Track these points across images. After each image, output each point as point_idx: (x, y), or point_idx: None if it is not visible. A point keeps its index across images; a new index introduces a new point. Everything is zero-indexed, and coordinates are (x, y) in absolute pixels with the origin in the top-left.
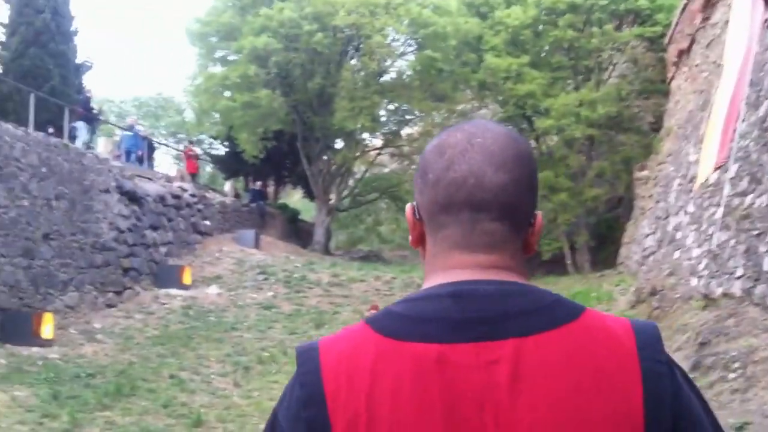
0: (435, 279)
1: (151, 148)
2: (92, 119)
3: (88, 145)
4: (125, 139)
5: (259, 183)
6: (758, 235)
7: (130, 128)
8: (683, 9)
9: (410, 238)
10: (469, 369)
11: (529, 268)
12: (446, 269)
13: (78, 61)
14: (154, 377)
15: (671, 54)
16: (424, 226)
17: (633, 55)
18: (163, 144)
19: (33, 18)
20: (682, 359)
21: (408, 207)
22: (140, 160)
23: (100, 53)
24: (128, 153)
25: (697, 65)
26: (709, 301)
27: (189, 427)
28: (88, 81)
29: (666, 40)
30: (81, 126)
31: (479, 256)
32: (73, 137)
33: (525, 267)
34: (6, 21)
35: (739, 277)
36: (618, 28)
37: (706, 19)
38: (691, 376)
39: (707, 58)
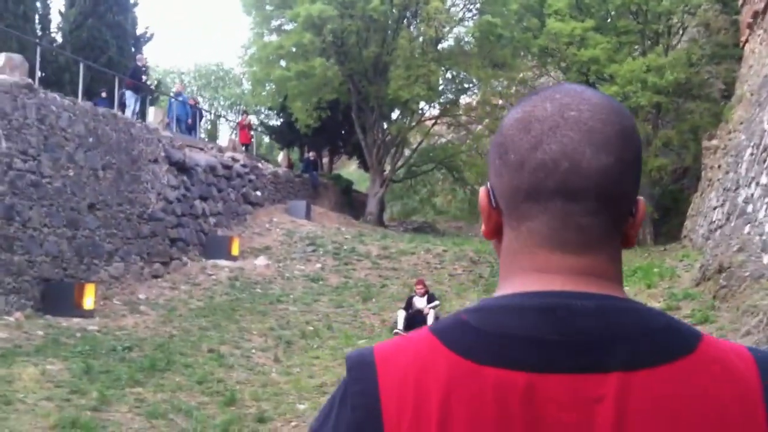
0: (516, 283)
1: (200, 116)
2: (140, 88)
3: (138, 115)
4: (174, 107)
5: (312, 153)
6: None
7: (178, 95)
8: None
9: (483, 227)
10: (564, 407)
11: None
12: (530, 272)
13: (138, 32)
14: (192, 351)
15: (745, 16)
16: (501, 215)
17: (705, 18)
18: (222, 116)
19: None
20: (752, 345)
21: (482, 191)
22: (189, 129)
23: (161, 24)
24: (177, 121)
25: None
26: None
27: (222, 406)
28: (147, 52)
29: (740, 1)
30: (129, 95)
31: (571, 258)
32: (123, 105)
33: (622, 271)
34: None
35: None
36: None
37: None
38: None
39: None
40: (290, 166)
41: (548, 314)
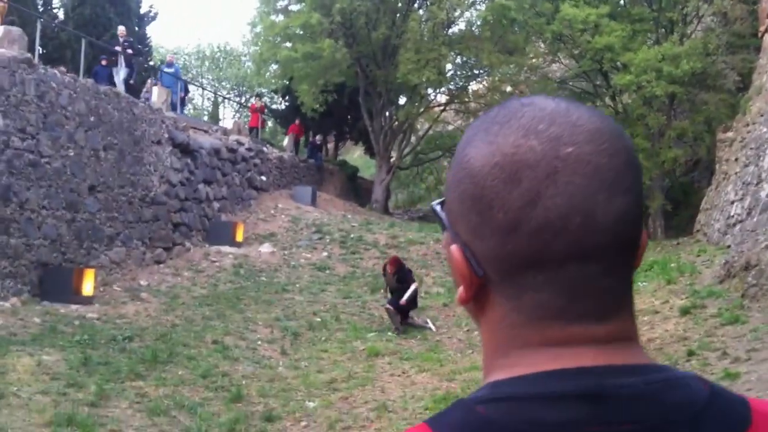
0: (527, 360)
1: (185, 91)
2: (128, 60)
3: (128, 85)
4: (163, 78)
5: (319, 137)
6: None
7: (170, 65)
8: None
9: (459, 292)
10: None
11: None
12: (542, 347)
13: (142, 10)
14: (195, 342)
15: (765, 5)
16: (488, 282)
17: (722, 6)
18: (225, 97)
19: None
20: None
21: (456, 251)
22: (179, 103)
23: (166, 3)
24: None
25: None
26: None
27: (227, 402)
28: (151, 31)
29: None
30: (115, 70)
31: (594, 328)
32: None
33: None
34: None
35: None
36: None
37: None
38: None
39: None
40: (297, 140)
41: (594, 402)
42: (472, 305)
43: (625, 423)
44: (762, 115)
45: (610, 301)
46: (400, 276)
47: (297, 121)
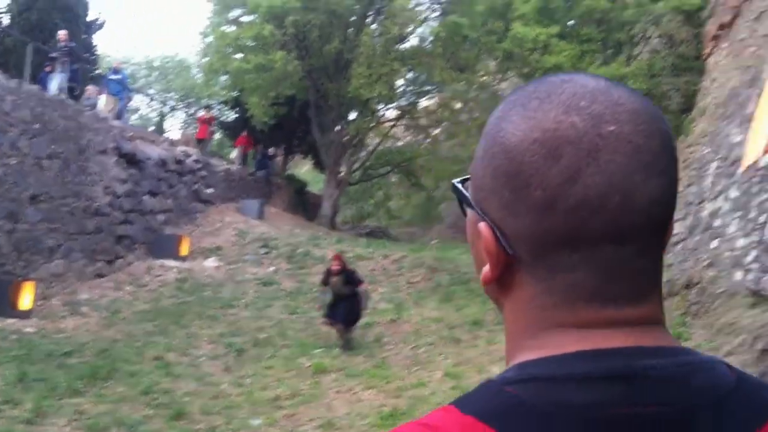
0: (555, 341)
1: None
2: (70, 63)
3: (69, 91)
4: (109, 85)
5: (272, 149)
6: None
7: (116, 72)
8: None
9: (484, 271)
10: None
11: None
12: (573, 328)
13: (89, 18)
14: (137, 358)
15: (710, 28)
16: (517, 261)
17: (668, 29)
18: (176, 108)
19: None
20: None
21: (485, 229)
22: (119, 114)
23: (115, 12)
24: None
25: (741, 40)
26: (760, 298)
27: (168, 420)
28: (98, 40)
29: (705, 13)
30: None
31: (627, 310)
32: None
33: None
34: None
35: None
36: (652, 0)
37: None
38: None
39: (755, 32)
40: (246, 152)
41: (623, 383)
42: (495, 286)
43: (654, 404)
44: (705, 136)
45: (643, 282)
46: (347, 276)
47: (245, 133)
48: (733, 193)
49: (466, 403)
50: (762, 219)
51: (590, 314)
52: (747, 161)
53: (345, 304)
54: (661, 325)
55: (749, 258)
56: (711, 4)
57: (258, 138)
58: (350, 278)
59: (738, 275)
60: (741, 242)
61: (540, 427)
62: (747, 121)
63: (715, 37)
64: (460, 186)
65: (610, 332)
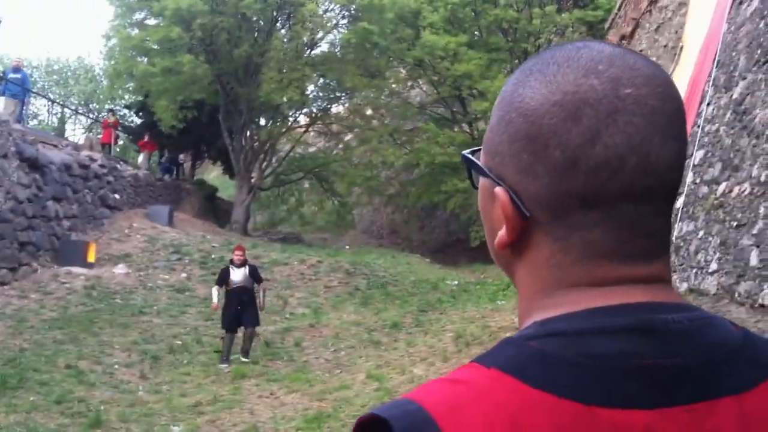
0: (572, 299)
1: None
2: None
3: None
4: (8, 87)
5: (182, 156)
6: (738, 226)
7: (16, 71)
8: None
9: (500, 235)
10: None
11: (453, 255)
12: (589, 287)
13: None
14: (47, 367)
15: (611, 39)
16: (533, 223)
17: (572, 39)
18: (78, 112)
19: None
20: None
21: (502, 193)
22: (19, 117)
23: (12, 12)
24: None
25: (642, 50)
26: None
27: (85, 428)
28: None
29: (607, 24)
30: None
31: (642, 268)
32: None
33: None
34: None
35: (713, 272)
36: (558, 11)
37: (653, 2)
38: None
39: (655, 42)
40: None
41: (646, 335)
42: (509, 250)
43: (675, 356)
44: None
45: (656, 242)
46: (251, 270)
47: (146, 137)
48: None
49: (488, 359)
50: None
51: (607, 271)
52: None
53: (246, 305)
54: (671, 283)
55: None
56: (612, 16)
57: (162, 142)
58: (254, 273)
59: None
60: None
61: (565, 377)
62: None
63: None
64: (471, 156)
65: (627, 288)
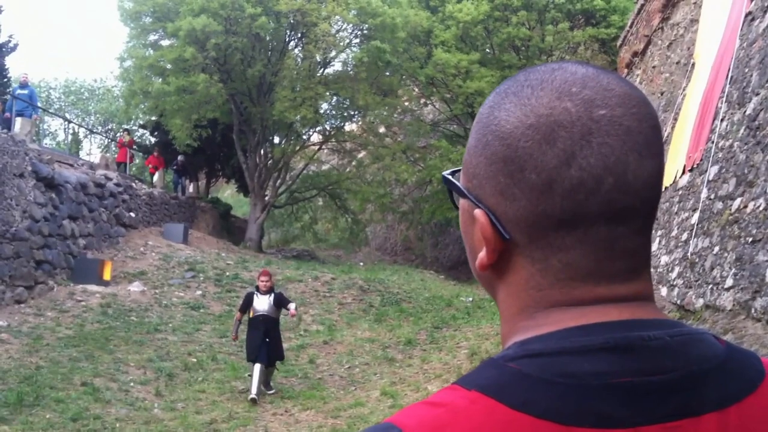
0: (553, 319)
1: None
2: None
3: None
4: (16, 102)
5: (180, 158)
6: (753, 242)
7: (23, 86)
8: (639, 10)
9: (480, 257)
10: None
11: (467, 271)
12: (569, 306)
13: (0, 39)
14: (63, 385)
15: (624, 56)
16: (512, 245)
17: (584, 57)
18: (92, 131)
19: None
20: None
21: (481, 215)
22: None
23: (29, 35)
24: (20, 116)
25: (654, 67)
26: (685, 312)
27: None
28: (10, 63)
29: (619, 42)
30: None
31: (620, 288)
32: None
33: None
34: None
35: (728, 288)
36: (570, 29)
37: (665, 19)
38: None
39: (668, 59)
40: (158, 170)
41: (622, 353)
42: (490, 272)
43: (654, 374)
44: None
45: (636, 261)
46: (276, 298)
47: (156, 152)
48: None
49: (468, 381)
50: (684, 237)
51: (585, 292)
52: (666, 182)
53: (271, 337)
54: (652, 300)
55: (673, 274)
56: (624, 33)
57: (168, 159)
58: (280, 301)
59: (663, 291)
60: (664, 259)
61: (543, 397)
62: (664, 144)
63: (629, 64)
64: (451, 177)
65: (605, 307)
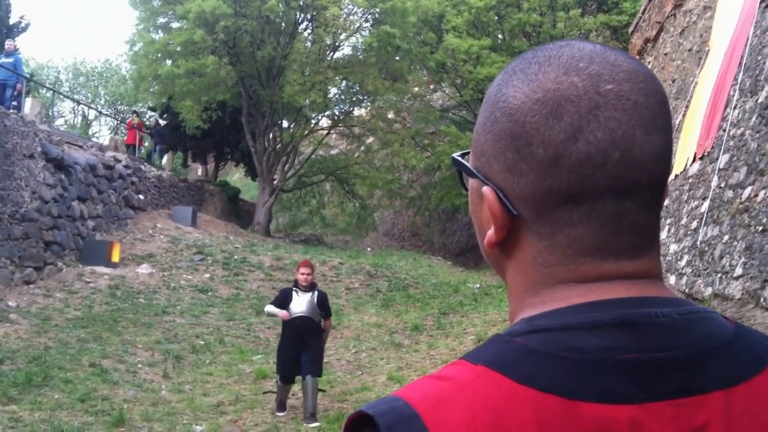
0: (560, 296)
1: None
2: None
3: None
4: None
5: (159, 120)
6: (763, 231)
7: (8, 55)
8: None
9: (488, 235)
10: None
11: (474, 258)
12: (575, 283)
13: (11, 20)
14: (71, 365)
15: (636, 43)
16: (520, 221)
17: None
18: (102, 113)
19: None
20: None
21: (489, 192)
22: (12, 101)
23: (40, 16)
24: (2, 87)
25: (666, 54)
26: (694, 301)
27: (108, 426)
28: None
29: (631, 28)
30: None
31: (627, 264)
32: None
33: None
34: None
35: (738, 277)
36: (581, 15)
37: (678, 6)
38: None
39: (680, 46)
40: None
41: (630, 329)
42: (498, 250)
43: (661, 350)
44: None
45: (643, 237)
46: (320, 297)
47: (132, 119)
48: (665, 200)
49: (475, 355)
50: (693, 225)
51: (592, 268)
52: (676, 170)
53: (310, 346)
54: (660, 278)
55: (682, 263)
56: (636, 20)
57: (187, 145)
58: (323, 302)
59: (672, 279)
60: (673, 247)
61: (548, 371)
62: (675, 131)
63: (641, 51)
64: (460, 158)
65: (612, 284)
